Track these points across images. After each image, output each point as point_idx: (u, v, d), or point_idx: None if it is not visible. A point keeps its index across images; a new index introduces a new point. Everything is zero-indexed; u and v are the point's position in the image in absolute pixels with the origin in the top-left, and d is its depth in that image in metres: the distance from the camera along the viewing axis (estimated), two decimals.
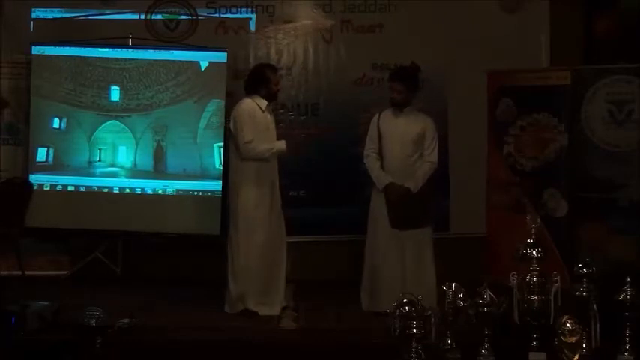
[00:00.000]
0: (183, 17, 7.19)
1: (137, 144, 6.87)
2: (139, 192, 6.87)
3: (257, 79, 5.79)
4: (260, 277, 5.63)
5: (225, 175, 6.62)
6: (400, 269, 5.63)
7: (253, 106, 5.70)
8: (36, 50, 6.88)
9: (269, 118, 5.81)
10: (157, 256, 6.93)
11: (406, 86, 5.77)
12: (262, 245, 5.64)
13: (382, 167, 5.80)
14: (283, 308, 5.71)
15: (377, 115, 5.90)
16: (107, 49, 6.89)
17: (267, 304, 5.62)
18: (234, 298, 5.62)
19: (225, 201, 6.57)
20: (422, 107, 6.01)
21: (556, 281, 3.87)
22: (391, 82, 5.84)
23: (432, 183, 5.85)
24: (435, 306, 4.29)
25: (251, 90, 5.78)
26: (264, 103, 5.73)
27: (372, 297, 5.72)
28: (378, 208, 5.76)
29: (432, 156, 5.78)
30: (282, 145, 5.72)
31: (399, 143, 5.75)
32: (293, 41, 7.23)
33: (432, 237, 5.79)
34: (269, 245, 5.67)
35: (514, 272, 3.91)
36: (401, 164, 5.74)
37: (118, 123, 6.87)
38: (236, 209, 5.68)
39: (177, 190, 6.84)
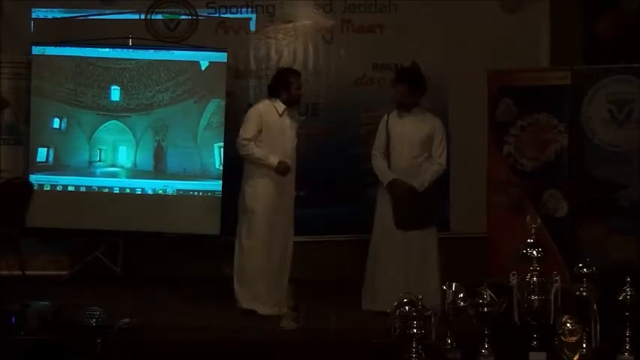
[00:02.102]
0: (183, 17, 7.19)
1: (137, 144, 6.87)
2: (139, 192, 6.87)
3: (279, 83, 5.81)
4: (267, 276, 5.63)
5: (225, 175, 6.64)
6: (404, 270, 5.64)
7: (270, 108, 5.73)
8: (36, 50, 6.87)
9: (287, 122, 5.79)
10: (157, 256, 6.93)
11: (408, 87, 5.75)
12: (268, 244, 5.64)
13: (389, 167, 5.79)
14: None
15: (386, 115, 5.89)
16: (107, 49, 6.89)
17: (269, 304, 5.61)
18: (239, 296, 5.62)
19: (225, 201, 6.58)
20: (424, 107, 6.01)
21: (556, 281, 3.87)
22: (394, 83, 5.85)
23: (436, 184, 5.84)
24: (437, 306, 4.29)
25: (273, 93, 5.80)
26: (282, 106, 5.74)
27: (374, 297, 5.72)
28: (384, 208, 5.76)
29: (441, 158, 5.75)
30: (274, 161, 5.63)
31: (406, 144, 5.73)
32: (293, 41, 7.23)
33: (437, 237, 5.78)
34: (276, 244, 5.68)
35: (514, 272, 3.91)
36: (407, 165, 5.73)
37: (118, 123, 6.87)
38: (244, 207, 5.68)
39: (178, 190, 6.85)
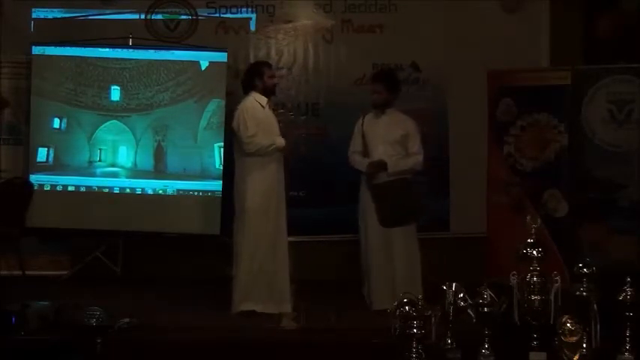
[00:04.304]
0: (183, 17, 7.19)
1: (137, 144, 6.87)
2: (139, 192, 6.87)
3: (251, 74, 5.84)
4: (267, 276, 5.63)
5: (225, 175, 6.63)
6: (392, 268, 5.68)
7: (254, 103, 5.73)
8: (36, 50, 6.88)
9: (271, 114, 5.84)
10: (157, 256, 6.93)
11: (385, 87, 5.85)
12: (270, 243, 5.64)
13: None
14: None
15: (361, 117, 5.98)
16: (107, 49, 6.89)
17: (273, 303, 5.61)
18: (240, 297, 5.61)
19: (225, 201, 6.57)
20: (422, 107, 6.03)
21: (556, 281, 3.86)
22: (371, 83, 5.94)
23: (414, 183, 5.87)
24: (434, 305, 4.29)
25: (248, 87, 5.81)
26: (263, 99, 5.76)
27: (371, 297, 5.74)
28: (366, 207, 5.80)
29: (416, 157, 5.83)
30: (281, 141, 5.73)
31: (382, 143, 5.83)
32: (293, 41, 7.23)
33: (416, 234, 5.83)
34: (275, 244, 5.68)
35: (514, 272, 3.91)
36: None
37: (119, 123, 6.87)
38: (242, 209, 5.67)
39: (178, 190, 6.85)
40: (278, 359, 4.71)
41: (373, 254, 5.77)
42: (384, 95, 5.84)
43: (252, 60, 7.06)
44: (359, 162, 5.88)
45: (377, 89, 5.86)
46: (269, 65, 6.05)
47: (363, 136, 5.89)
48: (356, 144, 5.95)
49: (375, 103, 5.88)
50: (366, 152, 5.88)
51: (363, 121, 5.95)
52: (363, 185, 5.87)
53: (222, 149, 6.73)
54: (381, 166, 5.74)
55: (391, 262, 5.71)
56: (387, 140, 5.81)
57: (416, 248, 5.80)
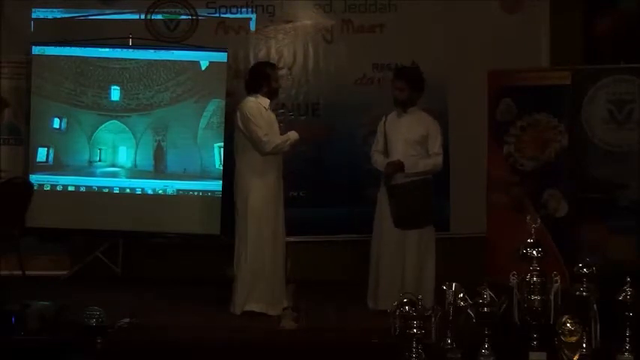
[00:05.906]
0: (183, 17, 7.19)
1: (137, 144, 6.87)
2: (139, 192, 6.87)
3: (258, 77, 5.80)
4: (268, 277, 5.63)
5: (225, 175, 6.63)
6: (402, 270, 5.65)
7: (258, 105, 5.72)
8: (36, 50, 6.87)
9: (273, 116, 5.84)
10: (157, 256, 6.94)
11: (408, 85, 5.77)
12: (271, 244, 5.64)
13: None
14: (283, 308, 5.71)
15: (384, 117, 5.92)
16: (107, 49, 6.89)
17: (272, 304, 5.61)
18: (243, 298, 5.61)
19: (225, 201, 6.57)
20: (422, 107, 6.02)
21: (556, 281, 3.86)
22: (394, 80, 5.87)
23: (433, 184, 5.85)
24: (435, 306, 4.29)
25: (252, 89, 5.79)
26: (266, 102, 5.76)
27: (378, 297, 5.72)
28: (384, 208, 5.77)
29: (438, 156, 5.78)
30: (295, 135, 5.75)
31: (402, 143, 5.75)
32: (293, 41, 7.23)
33: (434, 237, 5.79)
34: (276, 243, 5.68)
35: (514, 272, 3.91)
36: (405, 163, 5.74)
37: (119, 123, 6.87)
38: (245, 208, 5.66)
39: (178, 190, 6.84)
40: (278, 359, 4.71)
41: (385, 256, 5.72)
42: (406, 92, 5.76)
43: (252, 60, 7.07)
44: (380, 162, 5.82)
45: (399, 86, 5.78)
46: (273, 66, 6.05)
47: (385, 136, 5.85)
48: (378, 143, 5.90)
49: (397, 100, 5.80)
50: (387, 152, 5.84)
51: (385, 120, 5.88)
52: (382, 186, 5.82)
53: (222, 149, 6.73)
54: (399, 166, 5.69)
55: (402, 265, 5.66)
56: (408, 140, 5.74)
57: (431, 252, 5.73)
